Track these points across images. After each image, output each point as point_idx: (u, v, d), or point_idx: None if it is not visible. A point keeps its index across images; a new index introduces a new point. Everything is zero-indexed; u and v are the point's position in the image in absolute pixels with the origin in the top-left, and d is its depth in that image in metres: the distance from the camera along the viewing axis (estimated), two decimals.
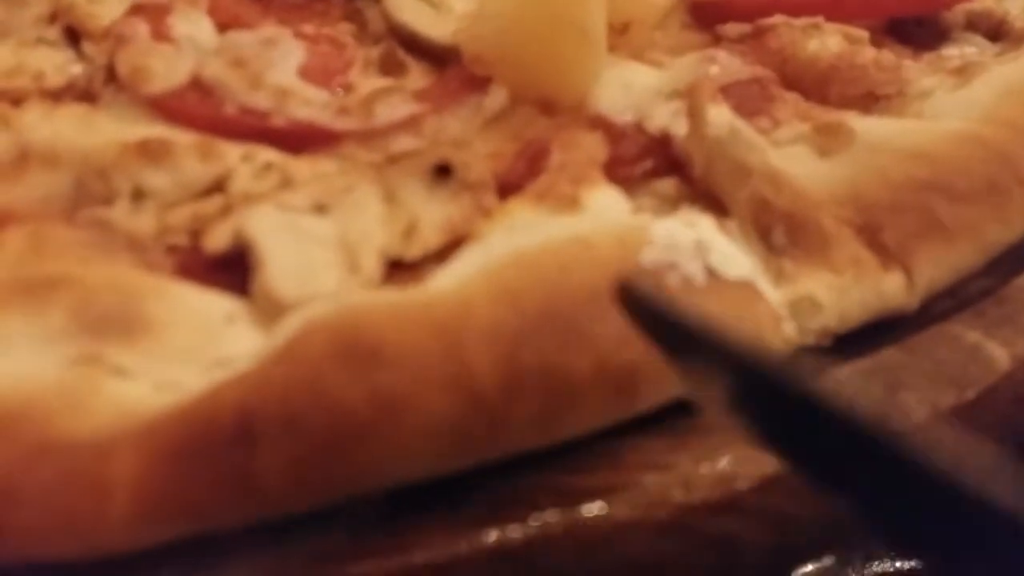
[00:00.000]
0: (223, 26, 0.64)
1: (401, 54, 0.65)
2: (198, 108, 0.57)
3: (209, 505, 0.40)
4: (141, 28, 0.62)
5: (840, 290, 0.50)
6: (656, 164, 0.56)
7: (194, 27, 0.62)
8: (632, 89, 0.59)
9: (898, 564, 0.46)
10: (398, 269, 0.48)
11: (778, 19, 0.66)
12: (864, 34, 0.65)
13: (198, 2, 0.65)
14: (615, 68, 0.61)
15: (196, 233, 0.50)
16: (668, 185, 0.55)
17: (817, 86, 0.62)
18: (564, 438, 0.44)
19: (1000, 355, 0.50)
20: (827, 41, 0.64)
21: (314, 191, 0.51)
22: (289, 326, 0.43)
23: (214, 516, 0.40)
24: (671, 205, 0.54)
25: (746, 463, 0.44)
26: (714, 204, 0.53)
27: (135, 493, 0.39)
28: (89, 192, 0.53)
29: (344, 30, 0.67)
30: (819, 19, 0.65)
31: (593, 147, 0.55)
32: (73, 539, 0.39)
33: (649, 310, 0.35)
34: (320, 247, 0.48)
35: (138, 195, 0.52)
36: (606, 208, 0.51)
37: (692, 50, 0.64)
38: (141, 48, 0.60)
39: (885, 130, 0.56)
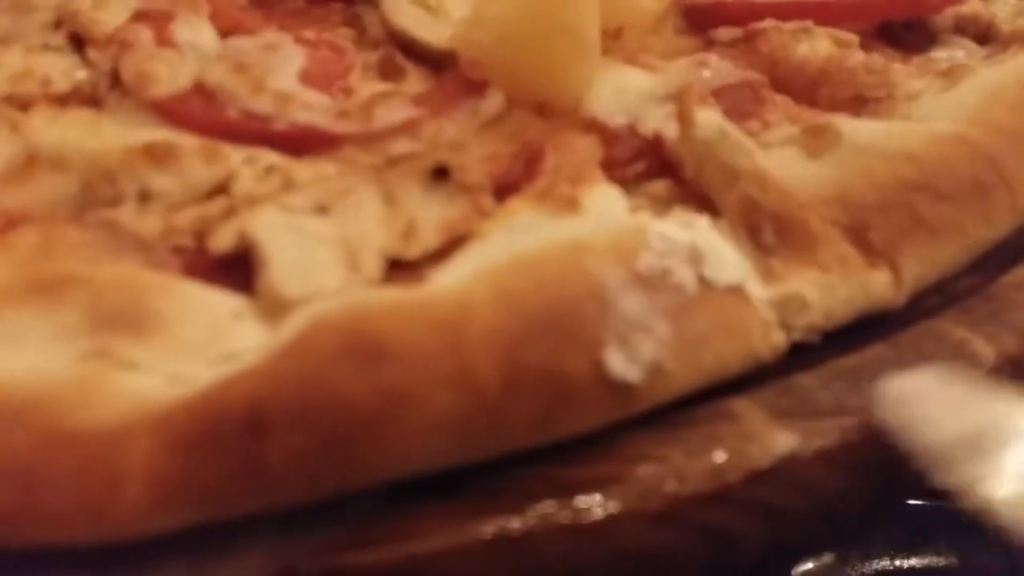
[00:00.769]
0: (225, 32, 0.65)
1: (399, 59, 0.65)
2: (201, 112, 0.58)
3: (219, 493, 0.40)
4: (144, 34, 0.62)
5: (827, 287, 0.51)
6: (649, 166, 0.57)
7: (196, 33, 0.63)
8: (625, 93, 0.60)
9: (897, 563, 0.46)
10: (398, 268, 0.49)
11: (769, 23, 0.66)
12: (853, 38, 0.66)
13: (200, 8, 0.65)
14: (609, 72, 0.61)
15: (201, 234, 0.50)
16: (660, 186, 0.56)
17: (807, 89, 0.63)
18: (562, 436, 0.45)
19: (986, 351, 0.50)
20: (817, 45, 0.65)
21: (315, 193, 0.51)
22: (295, 322, 0.44)
23: (224, 504, 0.41)
24: (663, 206, 0.54)
25: (738, 456, 0.45)
26: (705, 205, 0.54)
27: (147, 481, 0.40)
28: (96, 194, 0.53)
29: (344, 35, 0.68)
30: (809, 23, 0.66)
31: (587, 149, 0.56)
32: (86, 525, 0.40)
33: None
34: (322, 247, 0.48)
35: (144, 197, 0.53)
36: (605, 208, 0.52)
37: (685, 54, 0.65)
38: (145, 54, 0.61)
39: (872, 132, 0.56)
